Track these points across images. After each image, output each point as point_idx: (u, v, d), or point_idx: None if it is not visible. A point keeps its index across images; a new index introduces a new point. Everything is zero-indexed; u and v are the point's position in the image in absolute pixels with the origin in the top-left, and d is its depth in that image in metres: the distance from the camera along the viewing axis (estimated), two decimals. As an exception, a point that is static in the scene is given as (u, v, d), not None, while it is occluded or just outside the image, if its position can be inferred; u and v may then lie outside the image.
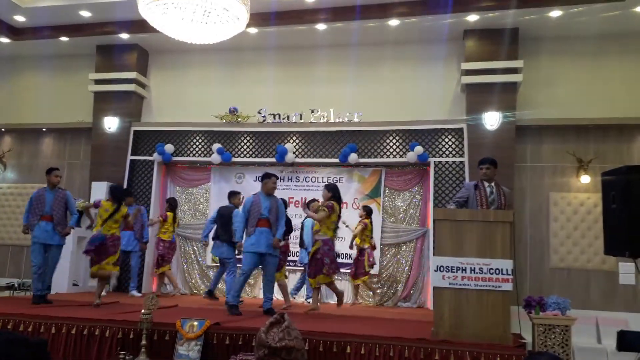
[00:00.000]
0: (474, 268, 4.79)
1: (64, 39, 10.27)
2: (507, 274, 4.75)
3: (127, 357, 4.79)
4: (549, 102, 9.04)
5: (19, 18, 9.82)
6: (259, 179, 9.90)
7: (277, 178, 6.92)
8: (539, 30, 9.04)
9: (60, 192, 7.13)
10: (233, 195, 8.39)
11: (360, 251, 8.76)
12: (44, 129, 11.22)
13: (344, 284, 9.36)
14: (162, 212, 9.43)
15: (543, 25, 8.88)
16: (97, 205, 7.02)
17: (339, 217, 7.01)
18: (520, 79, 8.88)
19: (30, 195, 7.21)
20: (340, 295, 7.21)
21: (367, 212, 8.90)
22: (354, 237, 8.80)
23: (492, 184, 5.85)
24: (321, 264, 6.77)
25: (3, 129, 11.44)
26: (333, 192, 6.96)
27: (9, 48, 10.79)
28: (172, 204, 9.23)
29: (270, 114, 9.82)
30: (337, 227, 7.00)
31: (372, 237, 8.85)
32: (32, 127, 11.18)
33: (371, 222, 8.87)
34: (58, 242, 7.03)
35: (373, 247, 8.89)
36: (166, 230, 8.96)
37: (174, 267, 9.66)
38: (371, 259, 8.77)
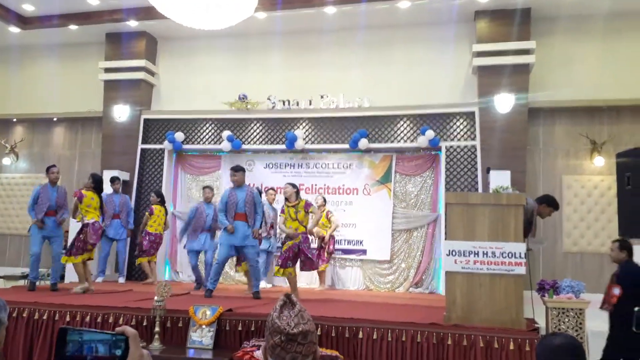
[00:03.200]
0: (487, 252, 4.76)
1: (72, 27, 10.25)
2: (520, 258, 4.71)
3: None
4: (562, 84, 8.88)
5: (28, 7, 9.81)
6: (269, 166, 10.01)
7: (242, 170, 7.01)
8: (551, 10, 8.88)
9: (62, 188, 7.47)
10: (203, 189, 8.60)
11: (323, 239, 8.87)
12: (55, 119, 11.26)
13: (355, 271, 9.40)
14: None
15: (555, 4, 8.72)
16: (80, 197, 7.11)
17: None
18: (532, 60, 8.73)
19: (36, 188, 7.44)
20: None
21: (325, 200, 9.05)
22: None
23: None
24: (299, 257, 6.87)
25: (14, 119, 11.49)
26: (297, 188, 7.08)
27: (19, 37, 10.80)
28: (160, 197, 8.97)
29: (279, 101, 9.77)
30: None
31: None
32: (43, 117, 11.22)
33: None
34: (57, 234, 7.34)
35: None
36: (153, 223, 8.73)
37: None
38: (331, 247, 8.95)
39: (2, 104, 11.38)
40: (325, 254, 8.84)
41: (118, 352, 1.12)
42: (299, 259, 6.84)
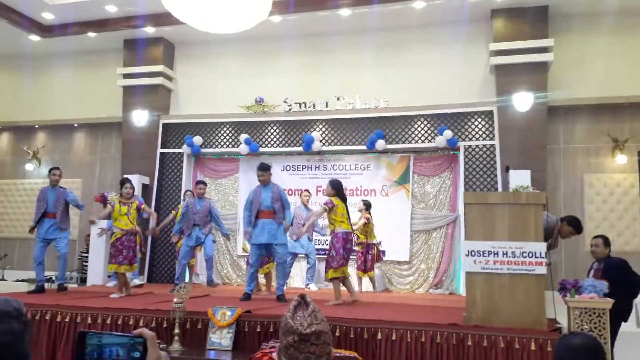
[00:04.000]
0: (507, 252, 4.69)
1: (91, 34, 10.41)
2: (541, 257, 4.64)
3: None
4: (582, 81, 8.77)
5: (47, 15, 9.99)
6: (287, 168, 10.03)
7: (268, 169, 6.80)
8: (568, 7, 8.78)
9: (60, 191, 7.38)
10: (196, 184, 8.40)
11: (368, 246, 8.52)
12: (76, 125, 11.44)
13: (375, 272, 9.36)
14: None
15: (573, 1, 8.61)
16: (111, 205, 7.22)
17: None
18: (551, 58, 8.63)
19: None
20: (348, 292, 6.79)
21: (367, 206, 8.62)
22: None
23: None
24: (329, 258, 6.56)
25: (36, 126, 11.70)
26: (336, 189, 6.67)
27: (39, 45, 10.99)
28: None
29: (296, 103, 9.79)
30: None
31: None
32: (64, 123, 11.41)
33: (371, 216, 8.63)
34: (58, 236, 7.29)
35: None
36: None
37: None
38: (381, 255, 8.78)
39: (24, 111, 11.60)
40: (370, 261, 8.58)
41: (136, 355, 1.13)
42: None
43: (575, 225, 6.04)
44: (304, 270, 9.15)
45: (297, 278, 9.49)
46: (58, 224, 7.27)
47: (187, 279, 9.83)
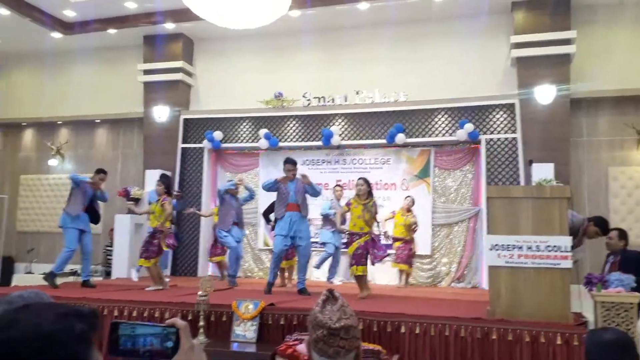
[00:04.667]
0: (531, 246, 4.66)
1: (111, 31, 10.52)
2: (566, 251, 4.60)
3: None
4: (605, 73, 8.63)
5: (69, 13, 10.11)
6: (306, 162, 10.04)
7: (294, 164, 6.87)
8: (592, -2, 8.64)
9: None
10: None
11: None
12: (98, 120, 11.58)
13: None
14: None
15: (597, -8, 8.48)
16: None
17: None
18: (573, 50, 8.51)
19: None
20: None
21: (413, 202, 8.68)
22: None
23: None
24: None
25: (59, 122, 11.87)
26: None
27: (61, 43, 11.13)
28: None
29: (314, 97, 9.79)
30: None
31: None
32: (86, 119, 11.56)
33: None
34: (89, 230, 7.49)
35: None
36: None
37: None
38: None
39: (46, 107, 11.77)
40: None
41: (169, 345, 1.14)
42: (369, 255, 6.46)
43: (601, 226, 5.95)
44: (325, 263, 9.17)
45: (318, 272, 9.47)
46: (89, 217, 7.46)
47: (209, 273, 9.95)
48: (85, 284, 7.22)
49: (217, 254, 8.78)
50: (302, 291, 6.59)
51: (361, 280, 6.47)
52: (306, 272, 7.03)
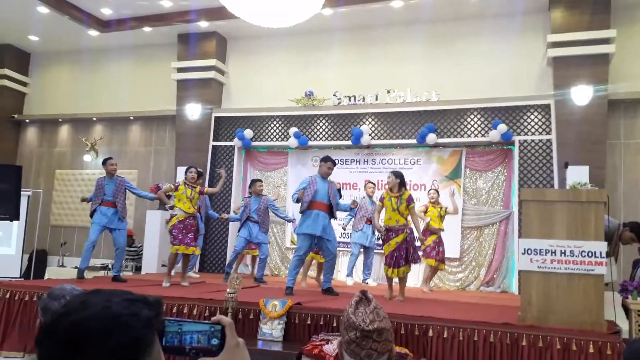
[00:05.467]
0: (565, 251, 4.55)
1: (146, 29, 10.68)
2: (601, 257, 4.47)
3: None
4: (645, 74, 8.37)
5: (106, 11, 10.31)
6: (336, 161, 9.98)
7: (334, 164, 6.77)
8: (634, -4, 8.39)
9: (119, 179, 7.56)
10: (253, 182, 8.23)
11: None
12: (131, 117, 11.78)
13: (423, 268, 9.23)
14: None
15: (639, -10, 8.22)
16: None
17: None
18: (612, 49, 8.26)
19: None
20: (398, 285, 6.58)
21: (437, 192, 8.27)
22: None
23: None
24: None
25: (94, 118, 12.12)
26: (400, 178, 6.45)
27: (97, 40, 11.37)
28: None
29: (345, 96, 9.76)
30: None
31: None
32: (120, 116, 11.77)
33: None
34: (119, 226, 7.48)
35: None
36: None
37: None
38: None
39: (82, 103, 12.04)
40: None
41: (215, 342, 1.15)
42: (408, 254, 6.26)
43: (637, 232, 5.79)
44: (343, 262, 9.16)
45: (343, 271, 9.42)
46: (120, 212, 7.47)
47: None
48: (116, 278, 7.28)
49: (250, 248, 8.71)
50: (329, 291, 6.49)
51: (399, 282, 6.34)
52: (333, 271, 6.92)
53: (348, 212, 8.06)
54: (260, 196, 8.07)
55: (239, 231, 8.09)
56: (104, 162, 7.59)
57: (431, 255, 7.86)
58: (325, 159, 6.70)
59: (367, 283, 8.52)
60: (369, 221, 8.26)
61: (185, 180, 7.23)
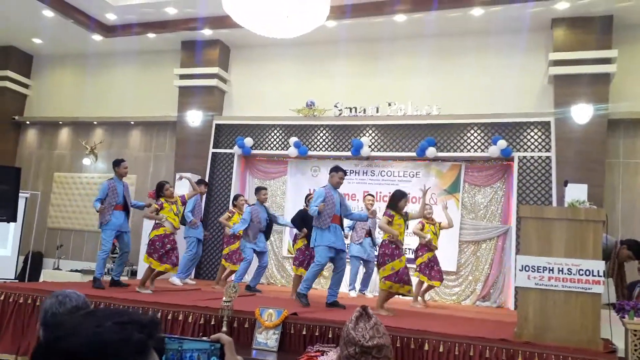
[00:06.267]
0: (562, 269, 4.55)
1: (151, 35, 10.73)
2: (599, 276, 4.47)
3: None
4: (646, 94, 8.43)
5: (110, 16, 10.35)
6: (346, 172, 9.94)
7: (345, 174, 6.66)
8: (635, 17, 8.47)
9: (126, 184, 7.39)
10: (258, 190, 8.16)
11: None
12: (132, 122, 11.79)
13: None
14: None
15: (640, 11, 8.30)
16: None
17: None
18: (614, 69, 8.33)
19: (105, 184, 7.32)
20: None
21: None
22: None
23: None
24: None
25: (95, 122, 12.13)
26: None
27: (101, 45, 11.41)
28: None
29: (346, 107, 9.79)
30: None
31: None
32: (121, 121, 11.78)
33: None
34: (128, 229, 7.31)
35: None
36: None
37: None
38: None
39: (83, 107, 12.07)
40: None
41: None
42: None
43: (635, 250, 5.79)
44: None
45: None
46: (129, 215, 7.29)
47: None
48: (116, 283, 7.08)
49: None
50: (335, 304, 6.34)
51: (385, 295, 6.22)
52: (340, 285, 6.71)
53: (347, 225, 7.94)
54: (264, 205, 8.07)
55: (243, 241, 7.91)
56: (117, 164, 7.24)
57: (425, 272, 7.63)
58: (337, 169, 6.55)
59: (365, 294, 8.50)
60: (369, 234, 8.25)
61: (164, 198, 7.08)
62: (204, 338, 1.18)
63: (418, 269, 7.63)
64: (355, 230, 8.26)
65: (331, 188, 6.51)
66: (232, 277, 8.38)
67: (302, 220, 7.69)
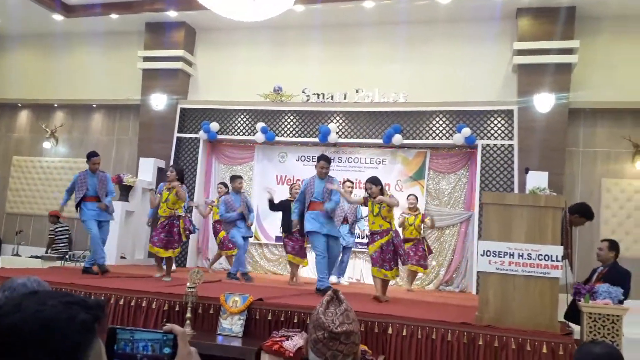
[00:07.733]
0: (522, 254, 4.66)
1: (114, 16, 10.43)
2: (557, 261, 4.60)
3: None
4: (605, 84, 8.65)
5: (72, -5, 10.03)
6: (302, 158, 10.01)
7: (329, 162, 6.67)
8: (597, 9, 8.65)
9: (102, 175, 7.41)
10: (233, 179, 8.15)
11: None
12: (94, 105, 11.50)
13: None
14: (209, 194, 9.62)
15: (602, 3, 8.49)
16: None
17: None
18: (575, 60, 8.52)
19: (76, 172, 7.58)
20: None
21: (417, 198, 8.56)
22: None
23: None
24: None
25: (55, 105, 11.79)
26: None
27: (62, 25, 11.04)
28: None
29: (314, 94, 9.76)
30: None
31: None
32: (82, 103, 11.48)
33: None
34: (106, 218, 7.40)
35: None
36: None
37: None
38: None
39: (44, 89, 11.68)
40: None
41: (167, 351, 1.15)
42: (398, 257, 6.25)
43: (586, 214, 6.00)
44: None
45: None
46: (108, 207, 7.34)
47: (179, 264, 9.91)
48: (87, 270, 7.08)
49: (229, 247, 8.66)
50: (325, 291, 6.20)
51: (382, 283, 6.23)
52: (331, 271, 6.81)
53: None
54: (240, 193, 8.03)
55: (227, 230, 8.05)
56: (88, 158, 7.36)
57: (413, 262, 7.99)
58: (318, 159, 6.69)
59: (340, 282, 8.53)
60: (346, 221, 8.35)
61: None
62: (156, 330, 1.17)
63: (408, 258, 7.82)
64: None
65: (316, 177, 6.61)
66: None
67: (283, 212, 7.97)
